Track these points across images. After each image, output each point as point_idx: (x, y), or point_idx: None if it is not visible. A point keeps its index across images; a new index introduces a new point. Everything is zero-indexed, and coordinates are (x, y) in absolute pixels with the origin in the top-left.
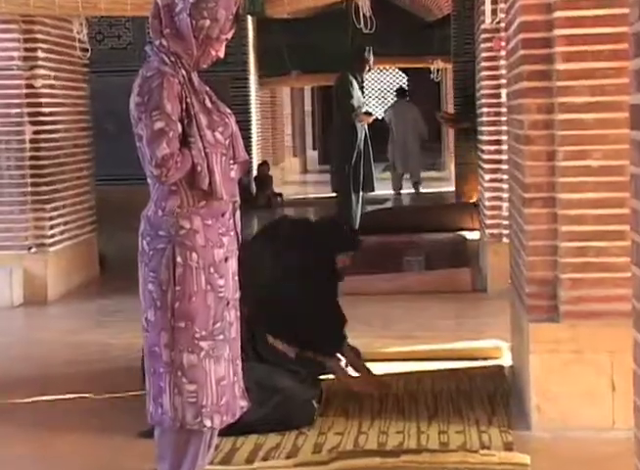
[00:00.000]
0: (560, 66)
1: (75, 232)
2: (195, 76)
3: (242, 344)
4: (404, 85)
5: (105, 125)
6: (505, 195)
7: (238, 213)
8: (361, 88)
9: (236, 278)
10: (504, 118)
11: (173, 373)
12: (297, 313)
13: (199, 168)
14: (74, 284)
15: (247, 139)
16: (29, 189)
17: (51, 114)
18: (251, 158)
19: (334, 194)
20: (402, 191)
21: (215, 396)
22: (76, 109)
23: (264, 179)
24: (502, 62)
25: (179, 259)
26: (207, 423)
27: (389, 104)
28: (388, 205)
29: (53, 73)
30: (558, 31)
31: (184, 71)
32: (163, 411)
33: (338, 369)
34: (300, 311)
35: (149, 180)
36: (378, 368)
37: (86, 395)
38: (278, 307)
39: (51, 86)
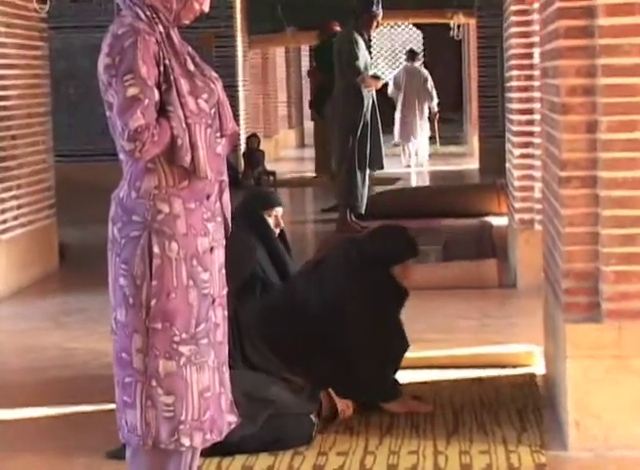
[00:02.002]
0: (603, 21)
1: (31, 217)
2: (175, 34)
3: (229, 348)
4: (416, 47)
5: (66, 91)
6: (537, 173)
7: (226, 195)
8: (368, 48)
9: (223, 272)
10: (537, 83)
11: (146, 383)
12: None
13: (179, 142)
14: (30, 278)
15: (233, 108)
16: None
17: (0, 77)
18: (239, 130)
19: (336, 172)
20: (416, 168)
21: (197, 409)
22: (31, 71)
23: (254, 155)
24: (535, 16)
25: (156, 250)
26: (186, 442)
27: (398, 68)
28: (400, 185)
29: (2, 29)
30: None
31: (162, 28)
32: (130, 428)
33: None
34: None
35: (120, 156)
36: None
37: (44, 408)
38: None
39: (0, 44)
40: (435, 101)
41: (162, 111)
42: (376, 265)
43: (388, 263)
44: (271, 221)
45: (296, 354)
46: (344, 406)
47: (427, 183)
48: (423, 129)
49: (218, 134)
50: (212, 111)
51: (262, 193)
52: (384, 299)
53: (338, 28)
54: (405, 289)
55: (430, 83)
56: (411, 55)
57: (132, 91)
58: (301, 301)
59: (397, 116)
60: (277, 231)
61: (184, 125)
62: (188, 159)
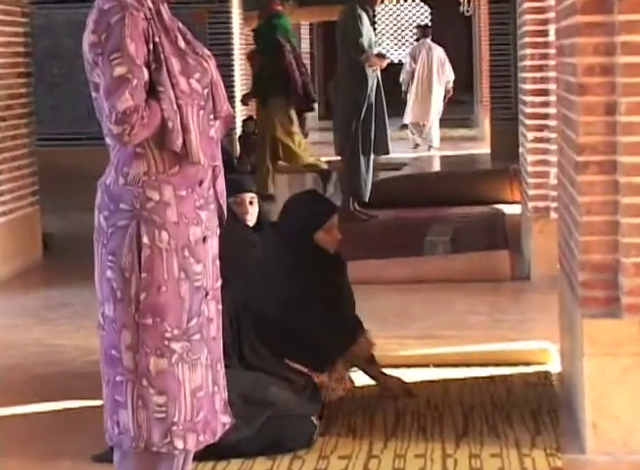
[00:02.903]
0: None
1: (12, 205)
2: (165, 10)
3: (224, 345)
4: (424, 23)
5: (49, 71)
6: (553, 158)
7: (220, 181)
8: (372, 24)
9: (217, 263)
10: (552, 62)
11: (137, 382)
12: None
13: (170, 125)
14: (10, 271)
15: (229, 88)
16: None
17: None
18: (234, 112)
19: (338, 157)
20: (424, 153)
21: (190, 410)
22: (12, 49)
23: (250, 139)
24: None
25: (145, 240)
26: (179, 444)
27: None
28: (407, 171)
29: None
30: None
31: (151, 3)
32: (122, 430)
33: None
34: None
35: (107, 140)
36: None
37: (26, 408)
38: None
39: None
40: (452, 79)
41: (152, 92)
42: (298, 241)
43: (309, 233)
44: (237, 209)
45: (283, 352)
46: (340, 377)
47: (435, 169)
48: (438, 111)
49: (212, 116)
50: (205, 91)
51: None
52: (322, 276)
53: (279, 8)
54: (337, 254)
55: (447, 61)
56: (423, 30)
57: (120, 71)
58: (257, 298)
59: (412, 95)
60: (249, 220)
61: (175, 107)
62: (179, 142)
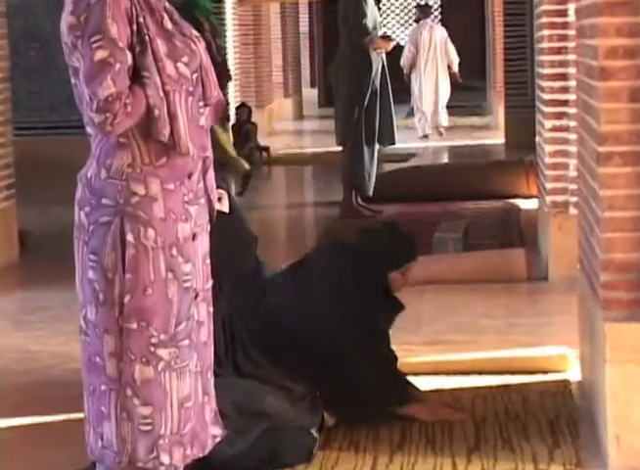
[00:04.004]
0: None
1: None
2: None
3: (216, 351)
4: (433, 1)
5: (26, 54)
6: (572, 149)
7: (211, 174)
8: (377, 3)
9: (207, 262)
10: (572, 45)
11: (121, 392)
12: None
13: (156, 113)
14: None
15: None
16: None
17: None
18: (227, 99)
19: (340, 148)
20: (433, 143)
21: (177, 422)
22: None
23: (244, 128)
24: None
25: (130, 237)
26: (166, 459)
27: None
28: (414, 162)
29: None
30: None
31: None
32: (105, 444)
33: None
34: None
35: (88, 130)
36: None
37: (0, 421)
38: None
39: None
40: (457, 61)
41: (136, 77)
42: (371, 274)
43: (386, 270)
44: None
45: (291, 365)
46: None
47: (445, 160)
48: (445, 95)
49: (201, 103)
50: (194, 76)
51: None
52: (375, 316)
53: None
54: (401, 304)
55: (450, 42)
56: (423, 10)
57: (101, 54)
58: (276, 304)
59: (417, 80)
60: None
61: (161, 93)
62: (166, 132)
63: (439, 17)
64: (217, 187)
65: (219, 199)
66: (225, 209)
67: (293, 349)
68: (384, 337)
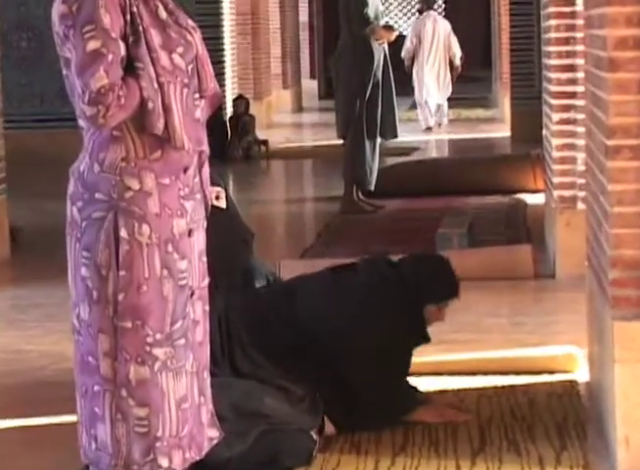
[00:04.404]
0: None
1: None
2: None
3: (212, 351)
4: None
5: (17, 44)
6: (580, 142)
7: (206, 168)
8: None
9: (204, 259)
10: (580, 35)
11: (115, 392)
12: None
13: (150, 106)
14: None
15: (217, 64)
16: None
17: None
18: (223, 90)
19: (340, 141)
20: (436, 136)
21: (175, 423)
22: None
23: (242, 120)
24: None
25: (124, 233)
26: (164, 462)
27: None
28: (417, 156)
29: None
30: None
31: None
32: (99, 446)
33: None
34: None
35: (80, 122)
36: None
37: None
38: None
39: None
40: (459, 55)
41: (130, 68)
42: (412, 301)
43: (426, 301)
44: None
45: (292, 366)
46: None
47: (448, 154)
48: (447, 88)
49: (197, 96)
50: (190, 67)
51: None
52: (404, 339)
53: None
54: (428, 337)
55: (453, 35)
56: (427, 0)
57: (93, 45)
58: (307, 303)
59: (419, 72)
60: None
61: (156, 85)
62: (161, 125)
63: (443, 4)
64: (215, 184)
65: (217, 196)
66: (223, 205)
67: (306, 351)
68: (402, 364)
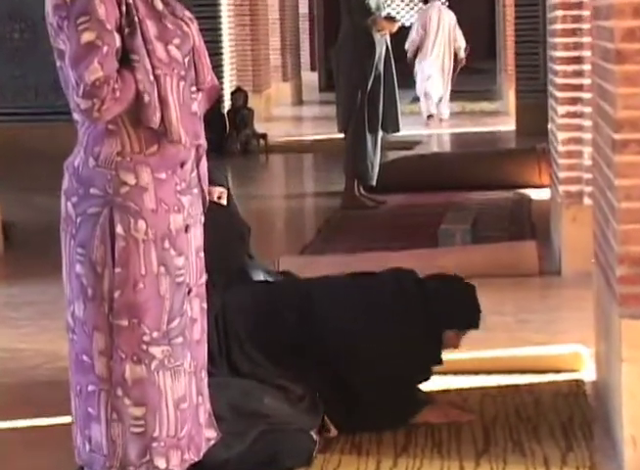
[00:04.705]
0: None
1: None
2: None
3: (209, 350)
4: None
5: (10, 36)
6: (587, 136)
7: (204, 163)
8: None
9: (201, 255)
10: (586, 26)
11: (111, 392)
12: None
13: (146, 99)
14: None
15: (215, 56)
16: None
17: None
18: (221, 83)
19: (341, 135)
20: (439, 130)
21: (173, 424)
22: None
23: (240, 114)
24: None
25: (120, 229)
26: (161, 463)
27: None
28: (420, 150)
29: None
30: None
31: None
32: (93, 447)
33: None
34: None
35: (75, 116)
36: None
37: None
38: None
39: None
40: (464, 47)
41: (125, 60)
42: (435, 322)
43: (448, 325)
44: None
45: (291, 365)
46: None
47: (452, 148)
48: (449, 81)
49: (194, 88)
50: (186, 59)
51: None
52: (415, 353)
53: None
54: (442, 361)
55: (458, 28)
56: None
57: (88, 37)
58: (327, 308)
59: (422, 64)
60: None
61: (152, 78)
62: (157, 118)
63: None
64: (218, 184)
65: (219, 197)
66: (223, 203)
67: (308, 350)
68: (407, 374)
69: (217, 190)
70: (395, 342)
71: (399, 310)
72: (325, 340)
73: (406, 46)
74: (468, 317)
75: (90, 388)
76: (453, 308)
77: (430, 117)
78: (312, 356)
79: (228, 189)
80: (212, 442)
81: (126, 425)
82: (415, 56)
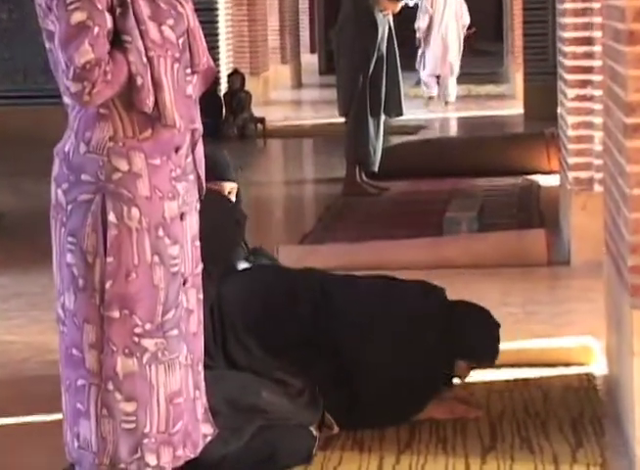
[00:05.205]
0: None
1: None
2: None
3: (206, 342)
4: None
5: None
6: (598, 120)
7: (200, 148)
8: None
9: (197, 244)
10: (597, 6)
11: (102, 386)
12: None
13: (139, 81)
14: None
15: (211, 37)
16: None
17: None
18: (217, 65)
19: (342, 119)
20: (444, 114)
21: (165, 419)
22: None
23: (237, 97)
24: None
25: (112, 217)
26: (151, 460)
27: None
28: (424, 135)
29: None
30: None
31: None
32: (82, 444)
33: None
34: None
35: (65, 99)
36: None
37: None
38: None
39: None
40: (467, 22)
41: (117, 41)
42: (451, 347)
43: (463, 355)
44: None
45: (296, 358)
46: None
47: (457, 133)
48: (456, 61)
49: (189, 71)
50: (181, 41)
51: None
52: (426, 371)
53: None
54: (450, 385)
55: (464, 4)
56: None
57: (78, 17)
58: (337, 303)
59: (429, 44)
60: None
61: (144, 60)
62: (150, 102)
63: None
64: (229, 179)
65: (229, 193)
66: (233, 199)
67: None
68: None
69: (228, 185)
70: (408, 351)
71: (418, 323)
72: (337, 333)
73: (416, 26)
74: (486, 354)
75: (79, 382)
76: (474, 341)
77: (430, 98)
78: (319, 349)
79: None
80: (209, 438)
81: (117, 421)
82: (426, 37)
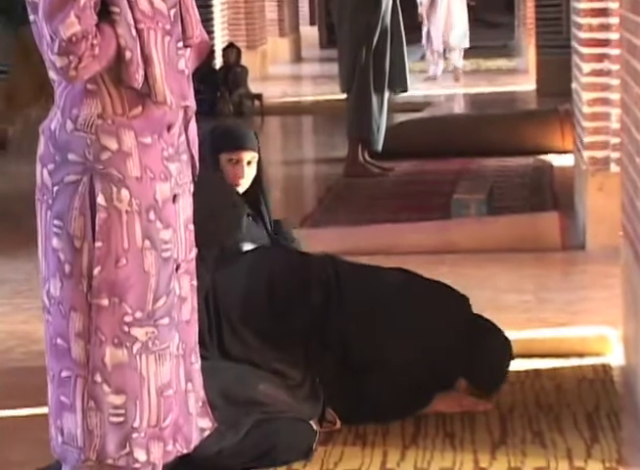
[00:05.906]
0: None
1: None
2: None
3: (200, 332)
4: None
5: None
6: (614, 96)
7: (193, 126)
8: None
9: (190, 227)
10: None
11: (88, 378)
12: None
13: (128, 55)
14: None
15: (204, 9)
16: None
17: None
18: (211, 38)
19: (344, 95)
20: (451, 90)
21: (155, 412)
22: None
23: (233, 72)
24: None
25: (100, 199)
26: (141, 456)
27: None
28: (431, 112)
29: None
30: None
31: None
32: (66, 439)
33: None
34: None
35: (51, 75)
36: None
37: None
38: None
39: None
40: None
41: (104, 13)
42: (461, 360)
43: (467, 376)
44: (229, 170)
45: (298, 348)
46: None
47: (465, 110)
48: (464, 33)
49: (180, 44)
50: (172, 12)
51: (223, 129)
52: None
53: None
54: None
55: None
56: None
57: None
58: (352, 292)
59: (434, 16)
60: (241, 185)
61: (134, 32)
62: (140, 77)
63: None
64: (249, 149)
65: (249, 163)
66: (252, 174)
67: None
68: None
69: (249, 155)
70: (424, 351)
71: (438, 324)
72: (347, 325)
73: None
74: (489, 382)
75: (64, 374)
76: (484, 365)
77: (429, 78)
78: (325, 341)
79: (259, 155)
80: (207, 432)
81: (105, 414)
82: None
